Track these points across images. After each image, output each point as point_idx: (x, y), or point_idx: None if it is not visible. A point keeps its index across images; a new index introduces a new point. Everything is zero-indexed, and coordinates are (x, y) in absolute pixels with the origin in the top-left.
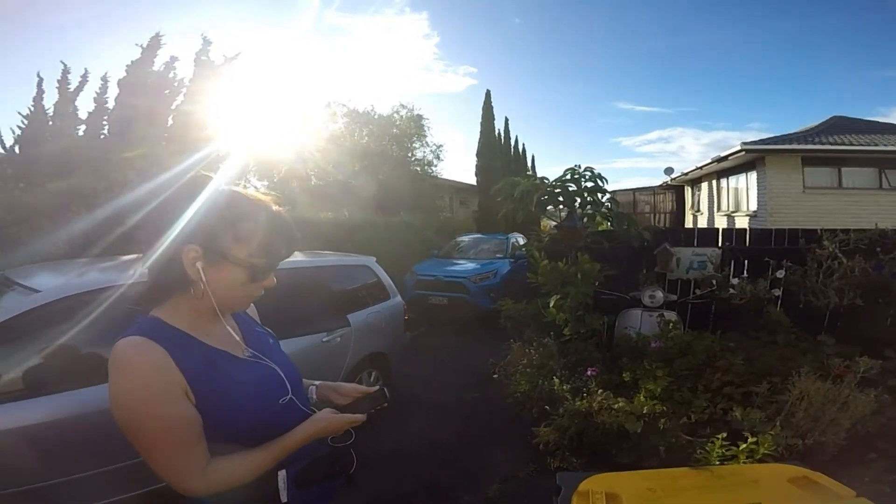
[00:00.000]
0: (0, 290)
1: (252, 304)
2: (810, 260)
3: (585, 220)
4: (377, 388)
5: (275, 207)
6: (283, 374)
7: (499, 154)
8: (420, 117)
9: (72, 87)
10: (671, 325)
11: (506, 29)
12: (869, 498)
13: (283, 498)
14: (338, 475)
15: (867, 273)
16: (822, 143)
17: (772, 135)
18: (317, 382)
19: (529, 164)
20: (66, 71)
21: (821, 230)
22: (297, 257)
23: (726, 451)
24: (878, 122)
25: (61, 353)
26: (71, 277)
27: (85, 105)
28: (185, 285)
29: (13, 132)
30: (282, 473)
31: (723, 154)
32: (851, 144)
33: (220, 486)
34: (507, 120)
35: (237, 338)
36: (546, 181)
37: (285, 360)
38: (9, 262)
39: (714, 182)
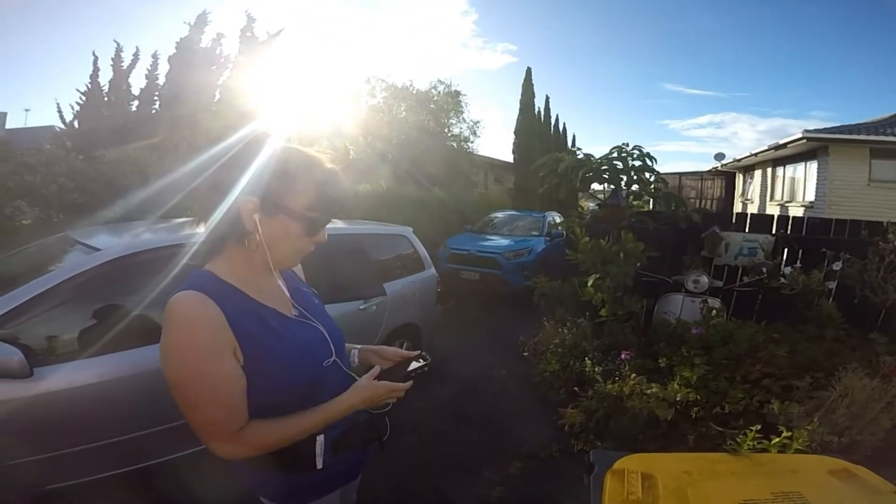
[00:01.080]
0: (63, 249)
1: (299, 264)
2: (871, 253)
3: (631, 198)
4: (418, 352)
5: (329, 164)
6: (327, 336)
7: (538, 132)
8: (457, 93)
9: (125, 64)
10: (714, 312)
11: (548, 6)
12: None
13: (319, 464)
14: (373, 441)
15: None
16: (895, 135)
17: (834, 124)
18: (358, 346)
19: (570, 143)
20: (119, 49)
21: (887, 223)
22: (338, 224)
23: (757, 443)
24: None
25: (123, 310)
26: (131, 237)
27: (137, 81)
28: (240, 238)
29: (72, 108)
30: (320, 439)
31: (782, 141)
32: None
33: (254, 451)
34: (547, 98)
35: (287, 295)
36: (591, 158)
37: (330, 321)
38: (71, 224)
39: (769, 170)
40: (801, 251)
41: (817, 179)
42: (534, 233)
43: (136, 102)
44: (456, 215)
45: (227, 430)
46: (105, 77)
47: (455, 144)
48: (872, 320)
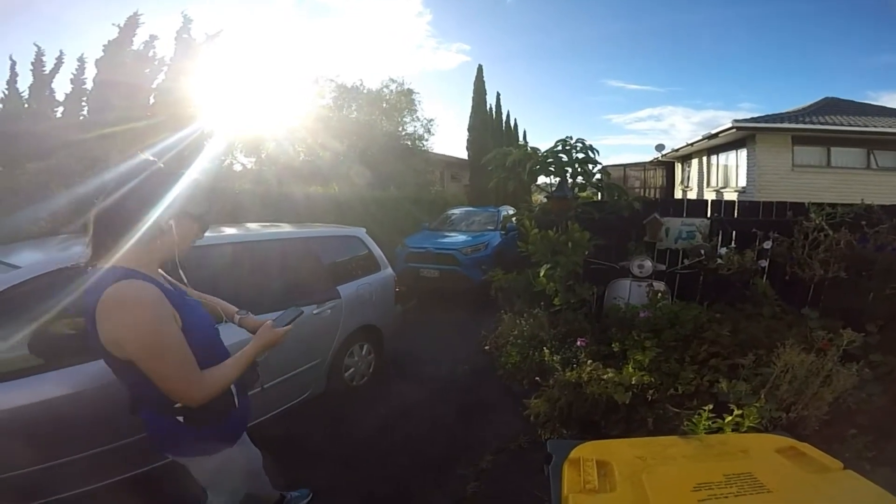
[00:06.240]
0: None
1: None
2: (797, 232)
3: (576, 190)
4: (290, 308)
5: (161, 165)
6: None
7: (490, 128)
8: (410, 91)
9: (47, 69)
10: (659, 295)
11: (499, 7)
12: None
13: (236, 403)
14: (254, 387)
15: (852, 246)
16: (814, 123)
17: (761, 114)
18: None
19: (521, 138)
20: (40, 53)
21: (808, 203)
22: (286, 228)
23: (712, 423)
24: (869, 104)
25: (45, 330)
26: (52, 253)
27: (62, 87)
28: (154, 237)
29: None
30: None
31: (714, 131)
32: (842, 125)
33: (213, 392)
34: (498, 95)
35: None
36: (538, 151)
37: None
38: None
39: (704, 159)
40: (734, 232)
41: (747, 166)
42: (489, 227)
43: (60, 109)
44: (413, 214)
45: (196, 379)
46: (25, 83)
47: (410, 143)
48: (803, 296)
